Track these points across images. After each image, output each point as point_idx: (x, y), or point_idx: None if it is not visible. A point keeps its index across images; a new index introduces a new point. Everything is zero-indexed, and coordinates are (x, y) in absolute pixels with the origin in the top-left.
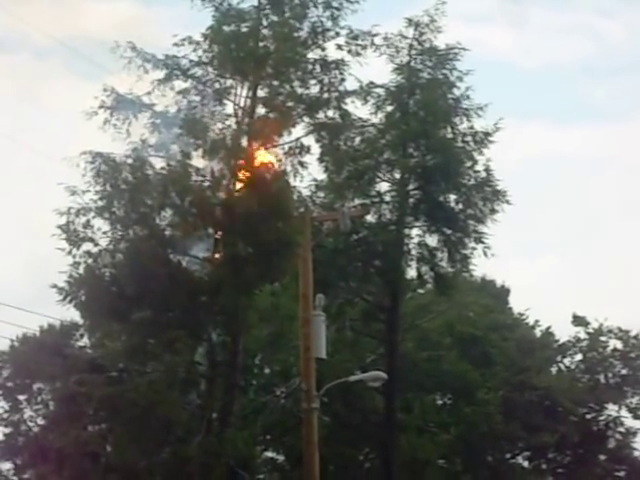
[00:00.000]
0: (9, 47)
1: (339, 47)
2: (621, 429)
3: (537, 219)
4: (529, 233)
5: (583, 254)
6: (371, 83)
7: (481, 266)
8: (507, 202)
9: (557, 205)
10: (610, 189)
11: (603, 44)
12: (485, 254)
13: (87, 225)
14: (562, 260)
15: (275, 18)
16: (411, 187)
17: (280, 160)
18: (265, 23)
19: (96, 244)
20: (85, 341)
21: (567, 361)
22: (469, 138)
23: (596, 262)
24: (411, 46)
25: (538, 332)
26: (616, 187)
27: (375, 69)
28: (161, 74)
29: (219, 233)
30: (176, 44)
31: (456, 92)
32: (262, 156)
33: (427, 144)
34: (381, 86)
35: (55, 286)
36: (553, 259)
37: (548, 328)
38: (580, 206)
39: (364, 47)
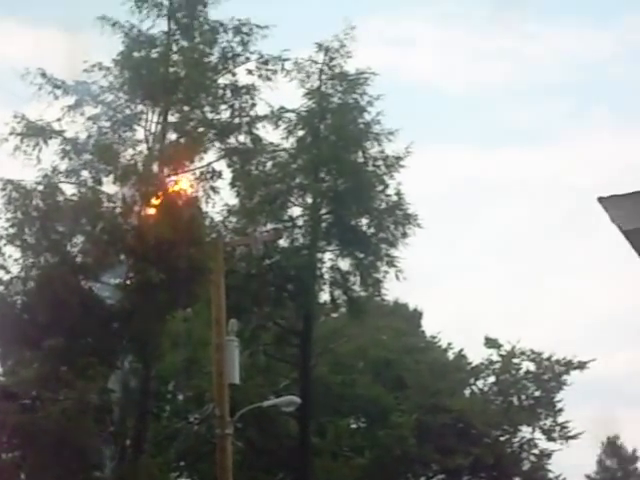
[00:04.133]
0: None
1: (250, 72)
2: (535, 451)
3: (456, 243)
4: (448, 256)
5: (499, 277)
6: (282, 108)
7: (394, 289)
8: (418, 226)
9: (477, 228)
10: (531, 212)
11: (525, 66)
12: (397, 278)
13: None
14: (479, 283)
15: (185, 43)
16: (323, 211)
17: (192, 185)
18: (175, 48)
19: (7, 271)
20: None
21: (480, 383)
22: (380, 162)
23: (511, 285)
24: (321, 71)
25: (451, 355)
26: (537, 210)
27: (286, 94)
28: (71, 100)
29: (131, 259)
30: (86, 70)
31: (367, 117)
32: (174, 182)
33: (338, 168)
34: (292, 111)
35: None
36: (469, 282)
37: (461, 351)
38: (500, 229)
39: (275, 72)
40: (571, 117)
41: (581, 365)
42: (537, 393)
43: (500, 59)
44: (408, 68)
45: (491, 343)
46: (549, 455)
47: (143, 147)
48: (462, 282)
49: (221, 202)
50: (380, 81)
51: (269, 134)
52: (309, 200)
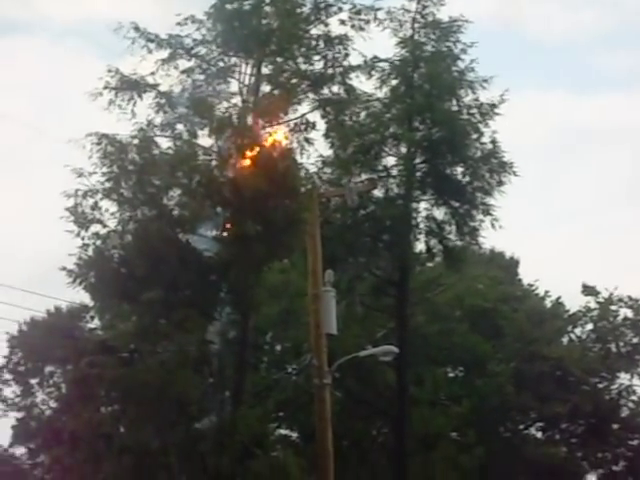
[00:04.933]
0: (26, 29)
1: (342, 22)
2: (634, 397)
3: (553, 190)
4: (545, 204)
5: (597, 225)
6: (375, 57)
7: (490, 238)
8: (514, 174)
9: (573, 176)
10: (630, 158)
11: (621, 12)
12: (493, 226)
13: (95, 207)
14: (576, 231)
15: None
16: (417, 161)
17: (286, 137)
18: (267, 0)
19: (104, 226)
20: (95, 323)
21: (578, 331)
22: (474, 110)
23: (608, 233)
24: (414, 19)
25: (548, 303)
26: (636, 156)
27: (379, 43)
28: (165, 54)
29: (227, 212)
30: (179, 23)
31: (461, 65)
32: (268, 134)
33: (432, 117)
34: (385, 60)
35: (64, 268)
36: (567, 230)
37: (558, 298)
38: (598, 176)
39: (367, 22)
40: None
41: None
42: (635, 340)
43: (595, 5)
44: (502, 16)
45: (589, 290)
46: None
47: (237, 99)
48: (559, 229)
49: (315, 153)
50: (474, 28)
51: (362, 84)
52: (403, 150)
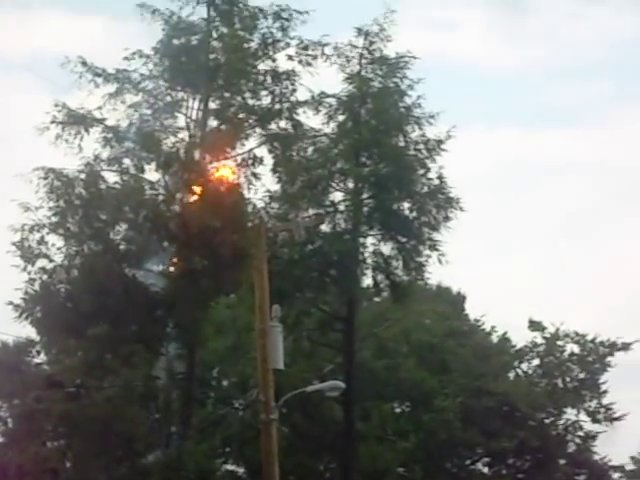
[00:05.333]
0: None
1: (290, 58)
2: (580, 433)
3: (500, 225)
4: (492, 239)
5: (544, 259)
6: (322, 93)
7: (437, 273)
8: (460, 209)
9: (521, 210)
10: (576, 194)
11: (570, 47)
12: (440, 261)
13: (41, 241)
14: (522, 265)
15: (225, 30)
16: (365, 196)
17: (233, 172)
18: (215, 35)
19: (51, 260)
20: (42, 358)
21: (524, 366)
22: (421, 146)
23: (555, 267)
24: (361, 55)
25: (495, 338)
26: (582, 192)
27: (326, 79)
28: (112, 88)
29: (174, 247)
30: (126, 58)
31: (408, 100)
32: (215, 169)
33: (379, 153)
34: (332, 96)
35: (11, 303)
36: (513, 265)
37: (504, 334)
38: (544, 211)
39: (314, 57)
40: (616, 98)
41: (625, 346)
42: (581, 375)
43: (545, 40)
44: (451, 51)
45: (535, 326)
46: (594, 437)
47: (184, 134)
48: (506, 265)
49: (263, 188)
50: (423, 64)
51: (310, 119)
52: (350, 185)
